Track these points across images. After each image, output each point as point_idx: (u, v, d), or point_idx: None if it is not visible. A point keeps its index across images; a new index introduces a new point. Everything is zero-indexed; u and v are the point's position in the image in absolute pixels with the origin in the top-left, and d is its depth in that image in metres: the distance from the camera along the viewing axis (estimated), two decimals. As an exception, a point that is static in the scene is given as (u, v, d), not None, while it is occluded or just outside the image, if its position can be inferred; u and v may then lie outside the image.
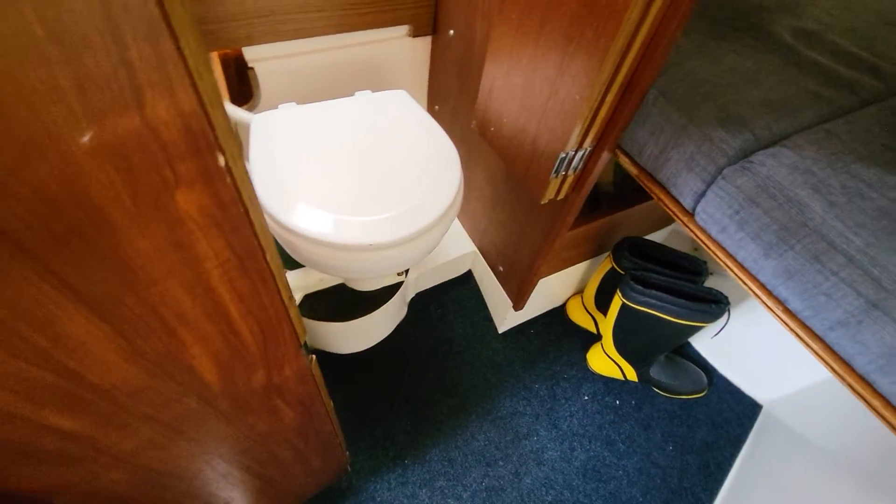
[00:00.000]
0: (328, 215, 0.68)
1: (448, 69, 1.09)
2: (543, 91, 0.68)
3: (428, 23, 1.07)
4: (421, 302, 1.25)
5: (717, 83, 0.63)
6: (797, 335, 0.56)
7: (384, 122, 0.85)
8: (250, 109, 1.01)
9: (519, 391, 1.14)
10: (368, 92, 0.94)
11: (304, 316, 0.99)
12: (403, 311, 1.20)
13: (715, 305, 0.90)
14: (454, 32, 1.01)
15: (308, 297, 1.01)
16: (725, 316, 0.91)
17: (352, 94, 0.93)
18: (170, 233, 0.23)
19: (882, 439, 0.50)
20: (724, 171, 0.58)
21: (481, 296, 1.28)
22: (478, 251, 1.23)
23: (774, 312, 0.57)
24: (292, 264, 0.98)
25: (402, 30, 1.08)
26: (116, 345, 0.26)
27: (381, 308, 1.00)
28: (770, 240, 0.54)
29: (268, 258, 0.29)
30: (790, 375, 1.04)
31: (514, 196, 0.96)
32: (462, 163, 1.13)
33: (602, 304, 1.14)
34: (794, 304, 0.55)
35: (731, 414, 1.13)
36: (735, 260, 0.60)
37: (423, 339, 1.19)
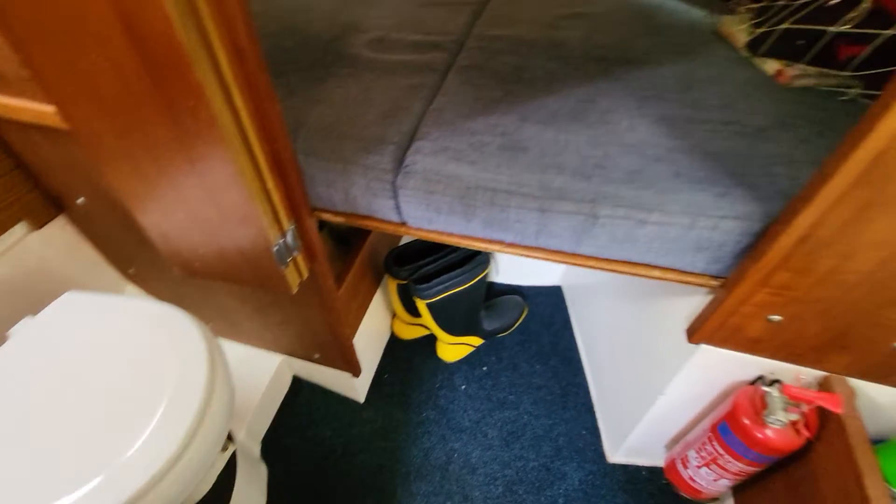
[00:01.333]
0: (75, 493, 0.53)
1: (110, 231, 0.94)
2: (210, 212, 0.64)
3: (45, 207, 0.89)
4: (273, 444, 1.10)
5: (342, 120, 0.70)
6: (526, 255, 0.69)
7: (69, 342, 0.69)
8: None
9: (415, 431, 1.13)
10: (27, 319, 0.74)
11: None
12: (262, 469, 1.04)
13: (479, 255, 1.04)
14: (85, 198, 0.87)
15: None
16: (489, 257, 1.07)
17: (7, 336, 0.72)
18: None
19: (614, 276, 0.66)
20: (397, 183, 0.65)
21: (323, 388, 1.21)
22: (286, 357, 1.15)
23: (503, 251, 0.69)
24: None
25: (20, 229, 0.87)
26: None
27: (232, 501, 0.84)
28: (461, 209, 0.64)
29: None
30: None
31: (271, 297, 0.91)
32: (199, 304, 1.02)
33: (414, 310, 1.21)
34: (509, 238, 0.67)
35: (549, 307, 1.36)
36: (454, 234, 0.70)
37: (301, 473, 1.06)
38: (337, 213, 0.74)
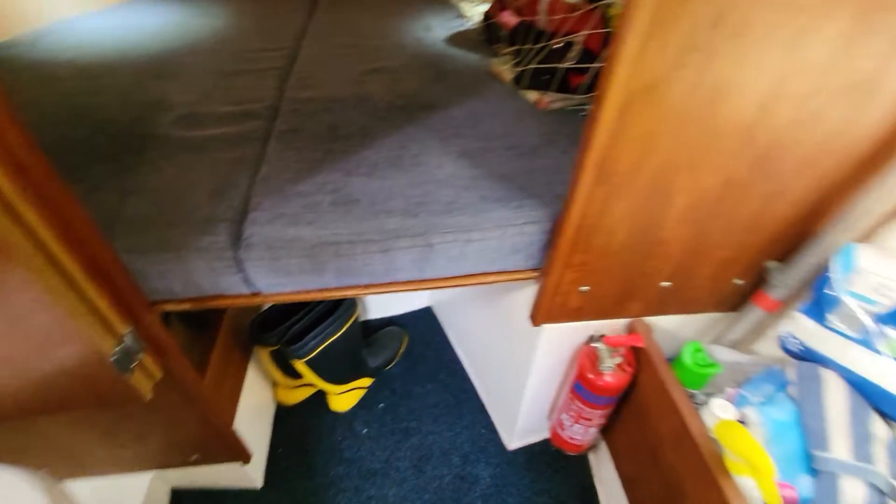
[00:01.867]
0: None
1: None
2: (18, 342, 0.57)
3: None
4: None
5: (164, 208, 0.68)
6: (383, 292, 0.75)
7: None
8: None
9: (326, 494, 1.09)
10: None
11: None
12: None
13: (345, 301, 1.07)
14: None
15: None
16: (355, 300, 1.11)
17: None
18: None
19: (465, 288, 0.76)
20: (240, 256, 0.66)
21: (211, 490, 1.09)
22: (157, 472, 1.01)
23: (361, 293, 0.74)
24: None
25: None
26: None
27: None
28: (311, 267, 0.68)
29: None
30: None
31: (119, 412, 0.81)
32: (23, 450, 0.85)
33: (294, 373, 1.17)
34: (363, 281, 0.72)
35: (426, 328, 1.45)
36: (311, 290, 0.73)
37: None
38: (181, 301, 0.71)
